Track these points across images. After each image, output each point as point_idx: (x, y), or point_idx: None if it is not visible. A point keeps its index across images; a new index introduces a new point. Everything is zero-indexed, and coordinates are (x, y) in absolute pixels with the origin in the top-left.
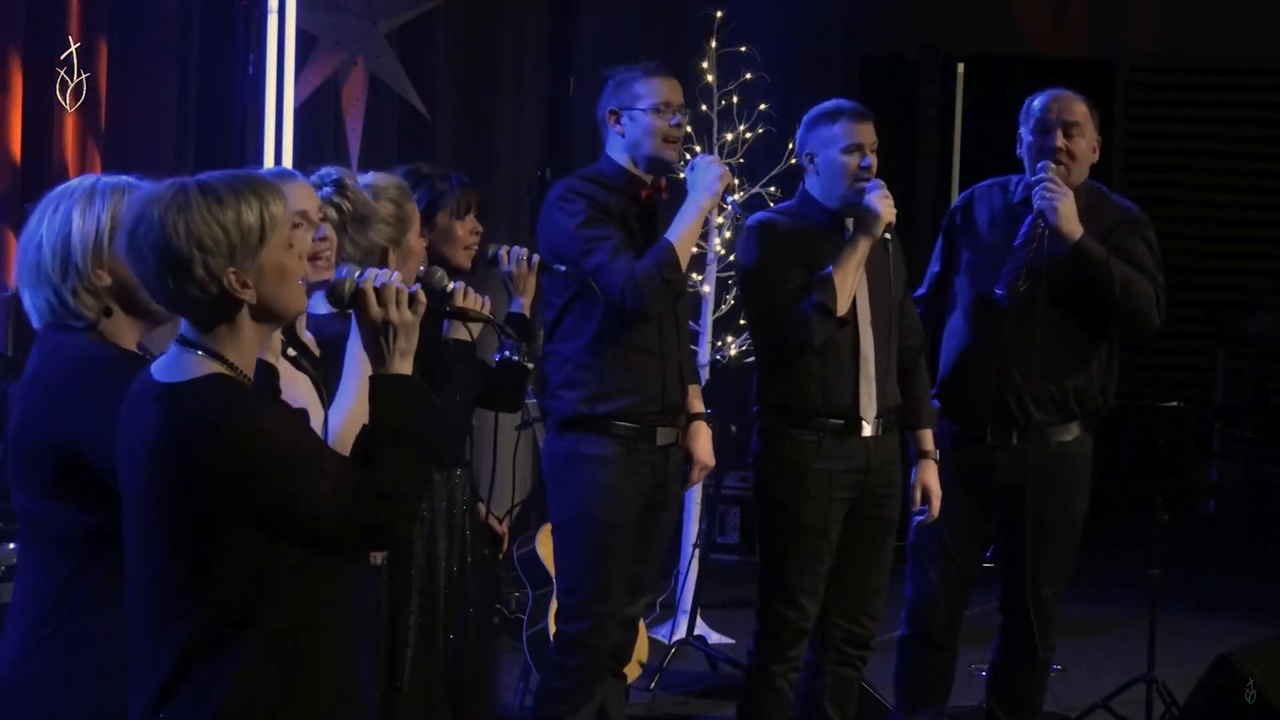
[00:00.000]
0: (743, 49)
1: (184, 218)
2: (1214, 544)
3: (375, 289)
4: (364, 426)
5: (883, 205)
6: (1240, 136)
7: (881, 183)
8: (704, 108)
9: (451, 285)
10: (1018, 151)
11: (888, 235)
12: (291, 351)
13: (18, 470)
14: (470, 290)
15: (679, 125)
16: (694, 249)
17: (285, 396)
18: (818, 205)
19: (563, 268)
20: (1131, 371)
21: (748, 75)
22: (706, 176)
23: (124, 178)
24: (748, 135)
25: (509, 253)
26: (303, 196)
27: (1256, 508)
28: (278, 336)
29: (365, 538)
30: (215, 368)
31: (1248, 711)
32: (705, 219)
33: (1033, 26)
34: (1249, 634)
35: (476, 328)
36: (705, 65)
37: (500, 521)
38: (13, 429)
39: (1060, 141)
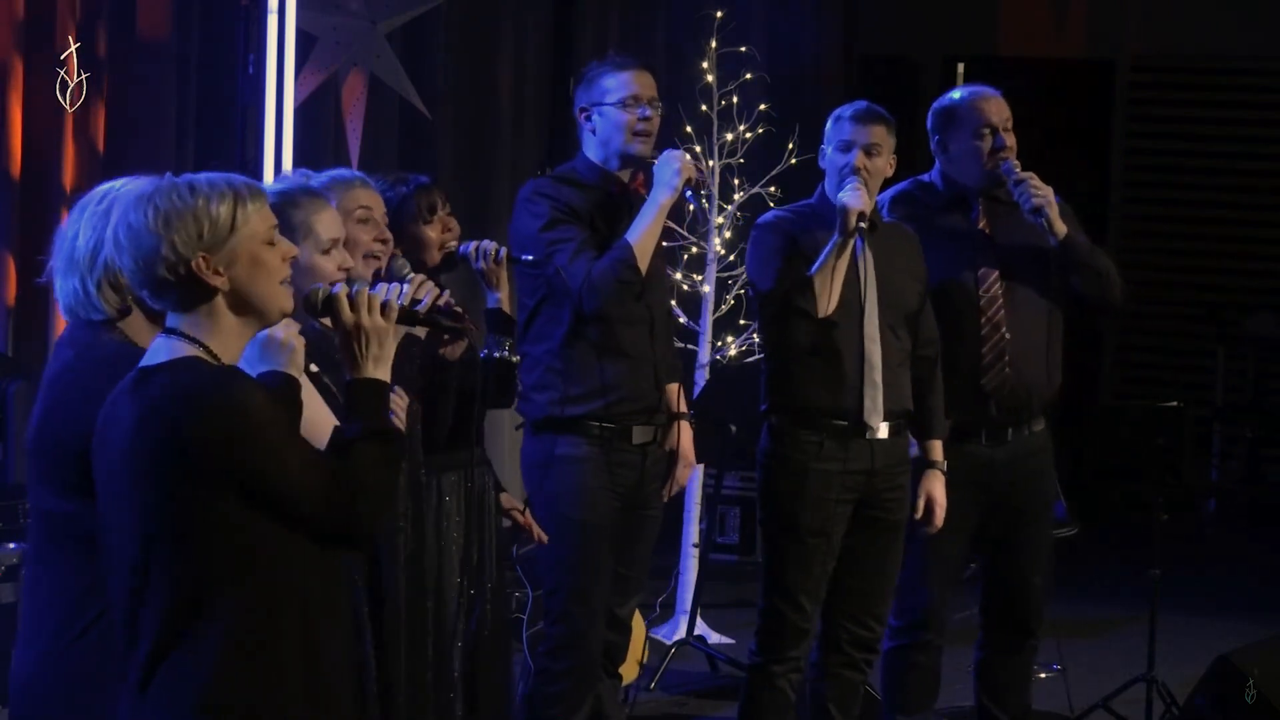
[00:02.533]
0: (743, 49)
1: (154, 201)
2: (1214, 544)
3: (348, 297)
4: (336, 427)
5: (848, 197)
6: (1240, 136)
7: (856, 179)
8: (704, 108)
9: (409, 274)
10: (938, 155)
11: (862, 225)
12: (314, 367)
13: (39, 466)
14: (427, 281)
15: (649, 118)
16: (696, 249)
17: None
18: (828, 203)
19: (529, 256)
20: (1131, 371)
21: (748, 75)
22: (665, 172)
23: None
24: (748, 135)
25: (477, 248)
26: (334, 224)
27: (1256, 508)
28: (301, 351)
29: (339, 526)
30: (194, 351)
31: (1248, 711)
32: (668, 216)
33: (1032, 26)
34: (1249, 634)
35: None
36: (705, 65)
37: (522, 512)
38: (35, 424)
39: (1009, 141)
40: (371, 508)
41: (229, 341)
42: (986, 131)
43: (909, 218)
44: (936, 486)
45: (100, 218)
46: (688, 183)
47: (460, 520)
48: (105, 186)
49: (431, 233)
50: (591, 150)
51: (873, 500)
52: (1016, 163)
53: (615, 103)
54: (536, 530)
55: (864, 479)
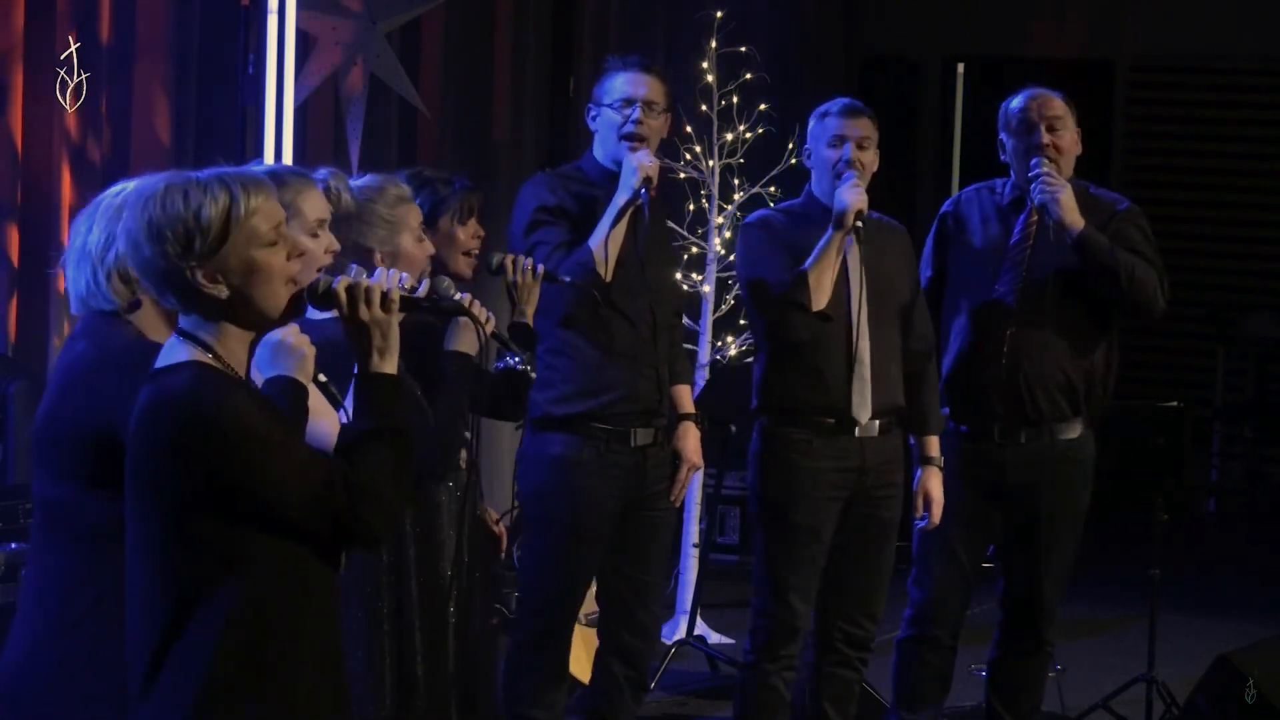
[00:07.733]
0: (743, 49)
1: (149, 209)
2: (1214, 544)
3: (347, 288)
4: (344, 425)
5: (849, 195)
6: (1240, 136)
7: (855, 173)
8: (704, 108)
9: (458, 295)
10: (1001, 157)
11: (859, 224)
12: (322, 377)
13: (45, 456)
14: (477, 302)
15: (638, 122)
16: (696, 249)
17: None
18: (817, 203)
19: (568, 278)
20: (1131, 371)
21: (748, 75)
22: (625, 173)
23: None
24: (748, 135)
25: (514, 262)
26: (320, 205)
27: (1256, 508)
28: (311, 359)
29: (338, 529)
30: (200, 356)
31: (1248, 711)
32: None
33: (1032, 26)
34: (1249, 634)
35: (470, 337)
36: (705, 65)
37: (497, 523)
38: (44, 411)
39: (1046, 138)
40: (380, 510)
41: (233, 346)
42: (1024, 130)
43: (962, 216)
44: (934, 483)
45: (113, 213)
46: (646, 181)
47: (452, 522)
48: (121, 184)
49: (463, 235)
50: (597, 149)
51: (864, 498)
52: (1045, 159)
53: (610, 103)
54: (504, 540)
55: (854, 476)
